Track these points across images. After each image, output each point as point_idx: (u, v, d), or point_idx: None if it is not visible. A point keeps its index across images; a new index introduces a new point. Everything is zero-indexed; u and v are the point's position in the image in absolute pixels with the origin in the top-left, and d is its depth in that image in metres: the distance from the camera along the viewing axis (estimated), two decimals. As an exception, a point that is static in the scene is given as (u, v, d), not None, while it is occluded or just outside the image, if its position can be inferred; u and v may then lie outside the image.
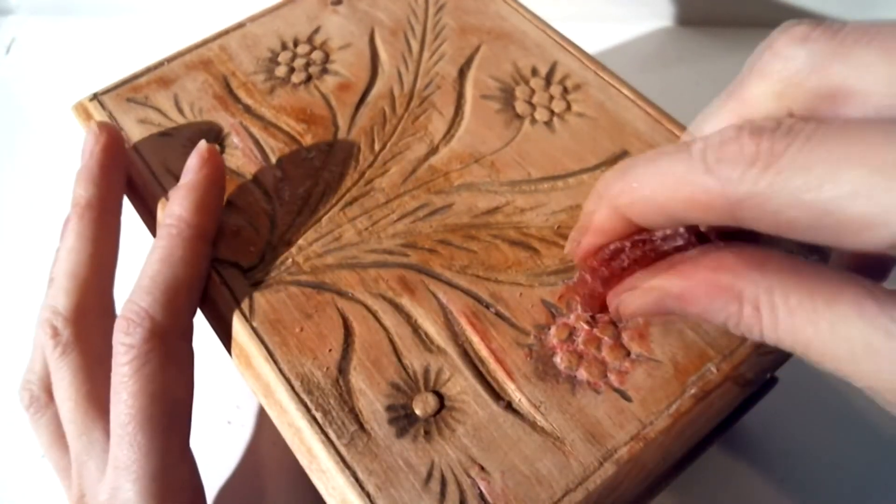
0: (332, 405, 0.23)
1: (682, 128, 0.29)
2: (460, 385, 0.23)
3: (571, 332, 0.24)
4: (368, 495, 0.21)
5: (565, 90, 0.31)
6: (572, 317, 0.24)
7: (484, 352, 0.24)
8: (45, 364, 0.27)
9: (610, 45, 0.50)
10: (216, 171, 0.27)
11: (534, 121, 0.30)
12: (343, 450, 0.22)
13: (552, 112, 0.30)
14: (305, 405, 0.23)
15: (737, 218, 0.16)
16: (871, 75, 0.15)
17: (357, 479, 0.21)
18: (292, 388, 0.23)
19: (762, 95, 0.17)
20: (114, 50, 0.53)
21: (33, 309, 0.39)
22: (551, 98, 0.31)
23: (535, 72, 0.32)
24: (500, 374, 0.23)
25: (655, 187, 0.17)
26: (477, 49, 0.32)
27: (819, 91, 0.16)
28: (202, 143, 0.27)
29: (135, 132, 0.30)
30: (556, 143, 0.29)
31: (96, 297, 0.26)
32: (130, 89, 0.32)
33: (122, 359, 0.23)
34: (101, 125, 0.28)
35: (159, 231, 0.26)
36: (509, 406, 0.23)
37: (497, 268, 0.26)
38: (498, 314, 0.25)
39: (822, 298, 0.16)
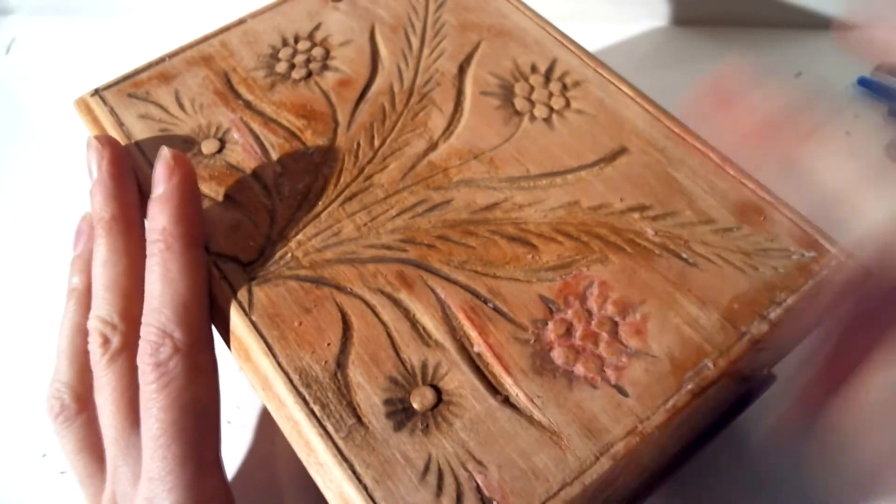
0: (330, 399, 0.23)
1: (681, 125, 0.29)
2: (458, 379, 0.23)
3: (569, 328, 0.24)
4: (366, 488, 0.21)
5: (564, 87, 0.31)
6: (570, 312, 0.24)
7: (482, 346, 0.24)
8: (78, 372, 0.28)
9: (610, 44, 0.50)
10: (186, 177, 0.27)
11: (533, 118, 0.30)
12: (341, 443, 0.22)
13: (551, 109, 0.30)
14: (304, 398, 0.23)
15: None
16: None
17: (354, 472, 0.21)
18: (290, 381, 0.23)
19: None
20: (113, 49, 0.53)
21: (34, 308, 0.40)
22: (550, 95, 0.31)
23: (534, 69, 0.32)
24: (498, 369, 0.23)
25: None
26: (477, 46, 0.33)
27: None
28: (165, 151, 0.27)
29: (136, 128, 0.30)
30: (554, 139, 0.29)
31: (138, 307, 0.26)
32: (132, 85, 0.32)
33: (149, 377, 0.23)
34: (101, 138, 0.28)
35: (149, 248, 0.26)
36: (506, 400, 0.23)
37: (495, 263, 0.26)
38: (496, 309, 0.25)
39: None
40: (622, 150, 0.29)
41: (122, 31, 0.55)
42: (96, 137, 0.28)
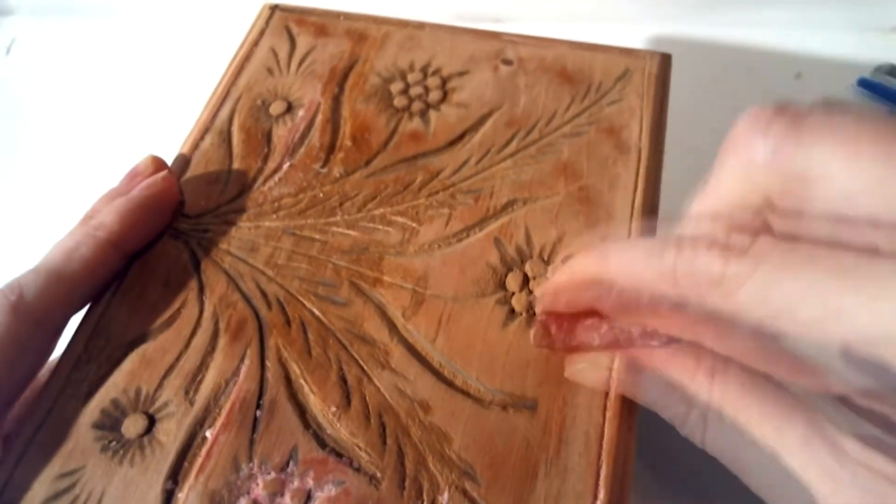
0: None
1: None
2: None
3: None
4: None
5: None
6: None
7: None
8: None
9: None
10: (164, 196, 0.28)
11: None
12: None
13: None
14: None
15: (696, 328, 0.17)
16: (828, 166, 0.16)
17: None
18: None
19: (738, 179, 0.18)
20: (114, 50, 0.53)
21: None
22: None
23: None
24: None
25: (628, 278, 0.18)
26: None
27: (788, 176, 0.16)
28: (160, 170, 0.29)
29: (254, 63, 0.34)
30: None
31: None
32: (298, 19, 0.35)
33: None
34: (167, 175, 0.29)
35: (82, 227, 0.26)
36: None
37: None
38: None
39: (771, 424, 0.16)
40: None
41: (122, 32, 0.54)
42: (165, 168, 0.29)
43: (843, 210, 0.15)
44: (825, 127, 0.16)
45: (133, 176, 0.29)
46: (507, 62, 0.33)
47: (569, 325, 0.21)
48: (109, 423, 0.23)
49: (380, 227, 0.28)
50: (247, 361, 0.24)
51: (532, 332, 0.23)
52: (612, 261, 0.19)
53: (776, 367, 0.16)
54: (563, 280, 0.21)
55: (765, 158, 0.17)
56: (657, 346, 0.19)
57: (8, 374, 0.23)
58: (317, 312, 0.25)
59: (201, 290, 0.26)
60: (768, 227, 0.16)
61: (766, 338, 0.15)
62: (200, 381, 0.24)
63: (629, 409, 0.23)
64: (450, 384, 0.24)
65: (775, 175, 0.17)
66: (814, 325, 0.14)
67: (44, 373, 0.25)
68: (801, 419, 0.16)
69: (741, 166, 0.17)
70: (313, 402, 0.24)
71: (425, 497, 0.22)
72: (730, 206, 0.18)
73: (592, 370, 0.21)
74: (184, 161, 0.30)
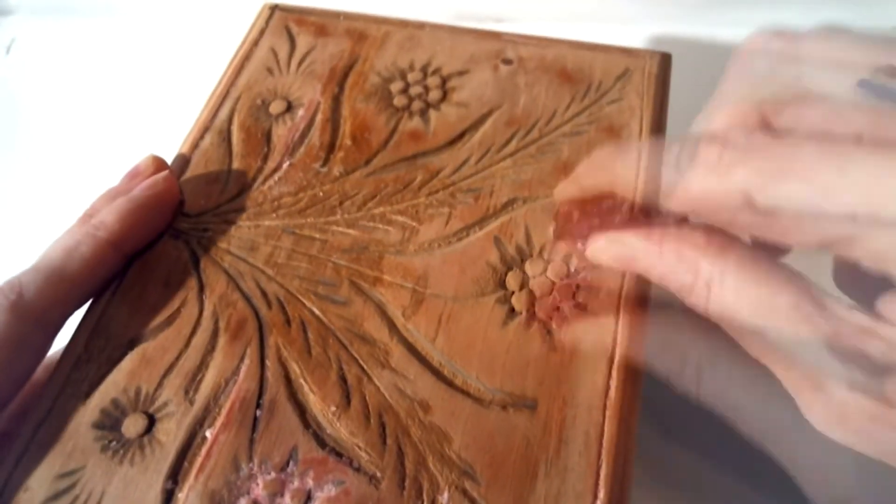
0: None
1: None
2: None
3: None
4: None
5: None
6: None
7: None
8: None
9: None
10: (164, 196, 0.28)
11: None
12: None
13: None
14: None
15: (696, 211, 0.19)
16: (819, 78, 0.18)
17: None
18: None
19: (738, 96, 0.20)
20: (114, 50, 0.53)
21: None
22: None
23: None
24: None
25: (633, 176, 0.20)
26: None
27: (784, 89, 0.18)
28: (161, 170, 0.29)
29: (254, 63, 0.33)
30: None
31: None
32: (298, 19, 0.35)
33: None
34: (168, 175, 0.28)
35: (81, 226, 0.26)
36: None
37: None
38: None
39: (767, 290, 0.18)
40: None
41: (122, 32, 0.54)
42: (166, 168, 0.29)
43: (832, 126, 0.17)
44: (820, 45, 0.18)
45: (134, 175, 0.29)
46: (507, 62, 0.33)
47: (591, 207, 0.22)
48: (109, 423, 0.23)
49: (380, 226, 0.28)
50: (247, 361, 0.24)
51: (552, 227, 0.23)
52: (620, 164, 0.21)
53: (773, 231, 0.18)
54: (576, 184, 0.22)
55: (762, 73, 0.19)
56: (672, 224, 0.20)
57: (5, 374, 0.23)
58: (317, 312, 0.25)
59: (201, 289, 0.26)
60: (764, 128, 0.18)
61: (761, 212, 0.17)
62: (200, 381, 0.24)
63: (629, 408, 0.23)
64: (450, 384, 0.24)
65: (771, 89, 0.18)
66: (795, 200, 0.16)
67: (39, 370, 0.25)
68: (793, 286, 0.18)
69: (742, 81, 0.19)
70: (313, 401, 0.24)
71: (425, 497, 0.22)
72: (730, 118, 0.19)
73: (612, 246, 0.21)
74: (184, 160, 0.30)
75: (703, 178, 0.18)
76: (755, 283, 0.18)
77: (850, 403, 0.16)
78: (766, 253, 0.19)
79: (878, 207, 0.15)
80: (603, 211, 0.21)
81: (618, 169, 0.21)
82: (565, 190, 0.23)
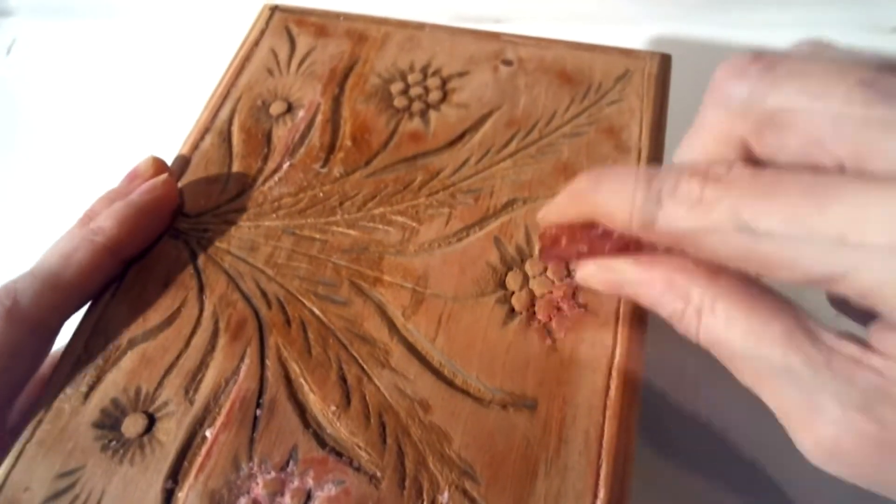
0: None
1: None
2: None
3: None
4: None
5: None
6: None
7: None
8: None
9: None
10: (162, 201, 0.28)
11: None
12: None
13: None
14: None
15: (679, 245, 0.18)
16: (797, 108, 0.17)
17: None
18: None
19: (717, 125, 0.19)
20: (114, 50, 0.53)
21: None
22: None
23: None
24: None
25: (613, 209, 0.20)
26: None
27: (763, 119, 0.18)
28: (161, 172, 0.29)
29: (253, 64, 0.33)
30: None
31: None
32: (298, 20, 0.35)
33: None
34: (167, 179, 0.28)
35: (79, 230, 0.26)
36: None
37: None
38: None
39: (757, 320, 0.18)
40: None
41: (123, 32, 0.54)
42: (167, 170, 0.29)
43: (813, 156, 0.17)
44: (797, 70, 0.17)
45: (133, 177, 0.29)
46: (507, 63, 0.33)
47: (580, 233, 0.21)
48: (109, 423, 0.23)
49: (380, 226, 0.28)
50: (247, 361, 0.24)
51: (538, 247, 0.22)
52: (600, 195, 0.20)
53: (757, 267, 0.17)
54: (558, 212, 0.22)
55: (740, 101, 0.18)
56: (661, 251, 0.20)
57: (3, 379, 0.23)
58: (317, 312, 0.26)
59: (201, 289, 0.26)
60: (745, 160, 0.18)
61: (744, 248, 0.17)
62: (200, 381, 0.24)
63: (629, 408, 0.23)
64: (450, 383, 0.24)
65: (750, 118, 0.18)
66: (777, 238, 0.16)
67: (46, 366, 0.25)
68: (785, 314, 0.17)
69: (720, 110, 0.19)
70: (313, 401, 0.24)
71: (425, 496, 0.22)
72: (711, 147, 0.19)
73: (602, 273, 0.21)
74: (184, 161, 0.30)
75: (684, 216, 0.18)
76: (746, 311, 0.18)
77: (843, 432, 0.16)
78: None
79: (860, 243, 0.15)
80: (591, 237, 0.21)
81: (599, 201, 0.20)
82: (549, 214, 0.22)
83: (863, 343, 0.16)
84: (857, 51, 0.18)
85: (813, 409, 0.17)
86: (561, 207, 0.22)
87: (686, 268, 0.19)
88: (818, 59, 0.17)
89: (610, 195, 0.20)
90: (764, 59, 0.18)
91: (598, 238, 0.21)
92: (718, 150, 0.19)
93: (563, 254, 0.22)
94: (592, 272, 0.22)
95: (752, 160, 0.18)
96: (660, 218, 0.18)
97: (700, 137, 0.20)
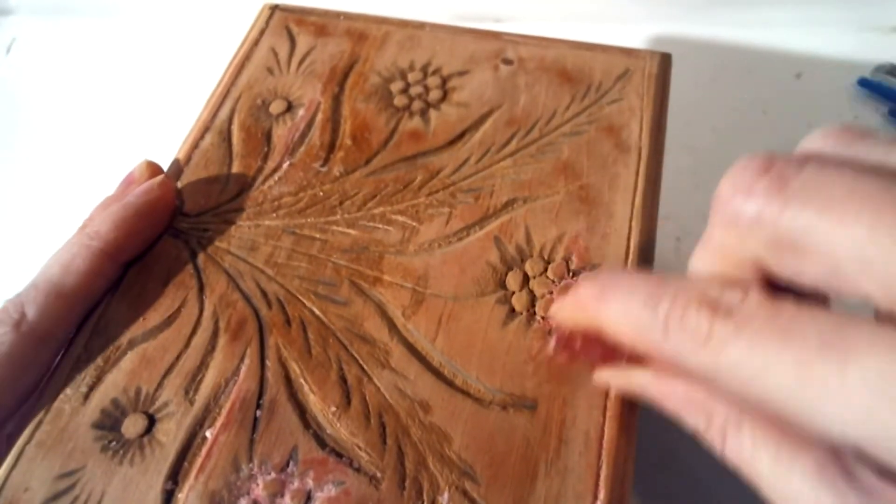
0: None
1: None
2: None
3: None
4: None
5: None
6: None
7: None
8: None
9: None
10: (160, 202, 0.28)
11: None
12: None
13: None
14: None
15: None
16: (814, 236, 0.15)
17: None
18: None
19: (727, 246, 0.17)
20: (114, 50, 0.53)
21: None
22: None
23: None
24: None
25: (621, 332, 0.18)
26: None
27: (778, 242, 0.16)
28: (155, 175, 0.28)
29: (254, 63, 0.34)
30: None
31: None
32: (298, 19, 0.35)
33: None
34: (163, 181, 0.28)
35: (77, 237, 0.26)
36: None
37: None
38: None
39: (787, 448, 0.16)
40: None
41: (122, 31, 0.54)
42: (161, 173, 0.29)
43: (839, 287, 0.15)
44: (813, 186, 0.15)
45: (129, 183, 0.29)
46: (508, 62, 0.33)
47: (592, 339, 0.21)
48: (109, 423, 0.23)
49: (380, 225, 0.28)
50: (247, 361, 0.24)
51: (551, 344, 0.22)
52: (606, 312, 0.19)
53: (772, 418, 0.16)
54: (567, 317, 0.21)
55: (749, 222, 0.16)
56: None
57: (11, 392, 0.24)
58: (317, 312, 0.25)
59: (201, 289, 0.26)
60: (762, 282, 0.16)
61: (755, 398, 0.15)
62: (200, 381, 0.24)
63: (629, 409, 0.23)
64: (450, 384, 0.24)
65: (763, 239, 0.16)
66: (785, 391, 0.14)
67: None
68: (818, 444, 0.16)
69: (728, 230, 0.17)
70: (313, 401, 0.24)
71: (425, 497, 0.22)
72: (722, 267, 0.17)
73: (620, 380, 0.21)
74: (184, 160, 0.30)
75: (690, 352, 0.16)
76: (776, 436, 0.16)
77: (877, 491, 0.14)
78: None
79: (889, 414, 0.13)
80: (605, 345, 0.20)
81: (604, 318, 0.19)
82: (558, 314, 0.21)
83: None
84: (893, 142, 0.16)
85: None
86: (568, 313, 0.21)
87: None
88: (839, 168, 0.15)
89: (616, 313, 0.18)
90: (772, 173, 0.16)
91: (611, 347, 0.20)
92: (731, 268, 0.17)
93: (581, 354, 0.21)
94: (609, 377, 0.21)
95: (771, 281, 0.17)
96: (666, 350, 0.17)
97: (710, 256, 0.18)
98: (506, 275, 0.26)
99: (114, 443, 0.23)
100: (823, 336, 0.14)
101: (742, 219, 0.16)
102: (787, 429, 0.16)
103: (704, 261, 0.18)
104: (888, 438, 0.13)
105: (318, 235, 0.27)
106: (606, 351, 0.20)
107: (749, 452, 0.17)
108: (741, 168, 0.16)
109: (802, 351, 0.14)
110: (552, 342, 0.22)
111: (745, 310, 0.15)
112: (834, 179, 0.15)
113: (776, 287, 0.16)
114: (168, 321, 0.25)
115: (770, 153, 0.16)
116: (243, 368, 0.24)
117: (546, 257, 0.26)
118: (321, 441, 0.23)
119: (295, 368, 0.24)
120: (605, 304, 0.19)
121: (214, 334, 0.25)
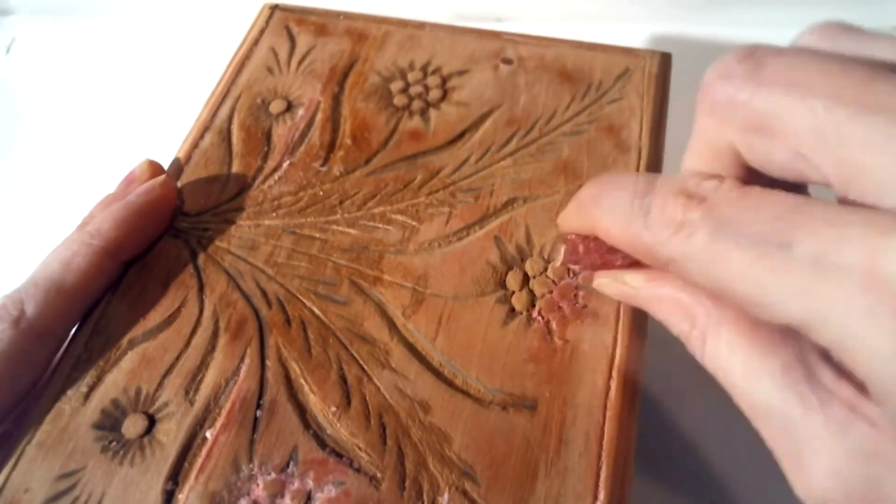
0: None
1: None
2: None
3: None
4: None
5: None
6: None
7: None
8: None
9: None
10: (161, 202, 0.28)
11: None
12: None
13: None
14: None
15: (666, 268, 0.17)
16: (786, 115, 0.15)
17: None
18: None
19: (709, 128, 0.18)
20: (114, 50, 0.53)
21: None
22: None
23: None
24: None
25: (609, 226, 0.19)
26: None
27: (749, 124, 0.16)
28: (157, 174, 0.28)
29: (254, 62, 0.34)
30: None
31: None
32: (298, 19, 0.35)
33: None
34: (165, 180, 0.28)
35: (78, 234, 0.26)
36: None
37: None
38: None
39: (758, 352, 0.16)
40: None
41: (122, 31, 0.54)
42: (162, 173, 0.29)
43: (801, 171, 0.15)
44: (785, 69, 0.15)
45: (130, 181, 0.29)
46: (507, 61, 0.33)
47: (595, 244, 0.21)
48: (109, 424, 0.23)
49: (380, 225, 0.28)
50: (247, 361, 0.24)
51: (562, 250, 0.23)
52: (599, 210, 0.19)
53: (737, 303, 0.16)
54: (569, 222, 0.22)
55: (725, 105, 0.16)
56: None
57: (9, 389, 0.23)
58: (317, 311, 0.25)
59: (201, 288, 0.26)
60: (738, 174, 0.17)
61: (720, 282, 0.16)
62: (200, 381, 0.24)
63: (629, 409, 0.23)
64: (450, 384, 0.24)
65: (737, 123, 0.16)
66: (741, 273, 0.15)
67: None
68: (787, 346, 0.16)
69: (709, 116, 0.17)
70: (313, 401, 0.24)
71: (425, 497, 0.22)
72: (706, 156, 0.18)
73: (616, 285, 0.21)
74: (184, 160, 0.30)
75: (665, 241, 0.16)
76: (749, 339, 0.17)
77: (832, 488, 0.15)
78: None
79: (830, 286, 0.13)
80: (603, 249, 0.21)
81: (597, 216, 0.19)
82: (563, 223, 0.22)
83: (860, 385, 0.15)
84: (878, 37, 0.16)
85: (804, 456, 0.15)
86: (570, 217, 0.21)
87: (695, 288, 0.18)
88: (818, 54, 0.15)
89: (607, 211, 0.19)
90: (753, 57, 0.16)
91: (608, 250, 0.21)
92: (713, 160, 0.18)
93: (582, 263, 0.22)
94: (606, 283, 0.22)
95: (750, 171, 0.17)
96: (647, 241, 0.17)
97: (697, 149, 0.18)
98: (506, 274, 0.26)
99: (114, 443, 0.23)
100: (778, 218, 0.14)
101: (719, 103, 0.17)
102: (759, 333, 0.17)
103: (692, 156, 0.19)
104: (825, 318, 0.13)
105: (318, 235, 0.27)
106: (605, 259, 0.21)
107: (724, 358, 0.17)
108: (727, 55, 0.17)
109: (758, 233, 0.14)
110: (560, 252, 0.22)
111: (717, 195, 0.16)
112: (805, 63, 0.15)
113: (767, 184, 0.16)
114: (168, 321, 0.25)
115: (751, 45, 0.17)
116: (243, 368, 0.24)
117: (546, 257, 0.26)
118: (321, 441, 0.23)
119: (295, 368, 0.24)
120: (599, 202, 0.19)
121: (214, 334, 0.25)
